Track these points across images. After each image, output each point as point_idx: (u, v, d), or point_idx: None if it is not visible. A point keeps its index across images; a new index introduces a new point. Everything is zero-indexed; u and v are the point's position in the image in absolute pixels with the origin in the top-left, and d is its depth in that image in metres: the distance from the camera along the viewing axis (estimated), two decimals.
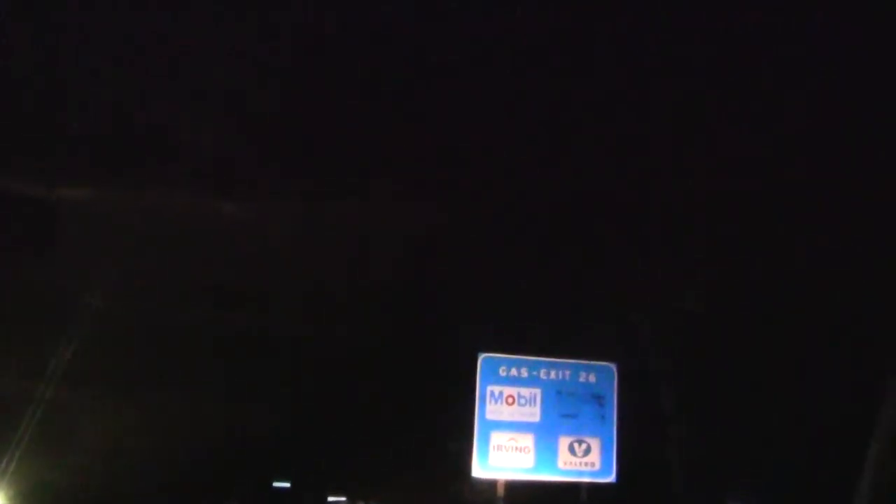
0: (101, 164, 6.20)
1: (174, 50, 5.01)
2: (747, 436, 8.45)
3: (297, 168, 6.27)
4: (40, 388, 8.29)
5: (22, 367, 8.31)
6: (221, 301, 8.14)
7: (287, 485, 11.76)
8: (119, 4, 4.73)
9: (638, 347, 8.42)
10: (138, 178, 6.34)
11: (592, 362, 7.93)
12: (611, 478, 7.76)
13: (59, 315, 7.91)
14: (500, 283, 8.02)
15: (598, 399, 7.83)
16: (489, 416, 7.67)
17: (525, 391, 7.73)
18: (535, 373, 7.81)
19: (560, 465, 7.73)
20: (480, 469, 7.65)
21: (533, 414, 7.72)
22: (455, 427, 8.26)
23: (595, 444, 7.78)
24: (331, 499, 11.90)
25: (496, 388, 7.73)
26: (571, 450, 7.71)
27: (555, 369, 7.85)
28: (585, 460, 7.74)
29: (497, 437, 7.64)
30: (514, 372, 7.79)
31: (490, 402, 7.66)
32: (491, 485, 7.82)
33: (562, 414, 7.74)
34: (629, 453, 7.87)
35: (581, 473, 7.73)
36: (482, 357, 7.79)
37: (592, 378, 7.85)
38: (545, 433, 7.69)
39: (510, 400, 7.69)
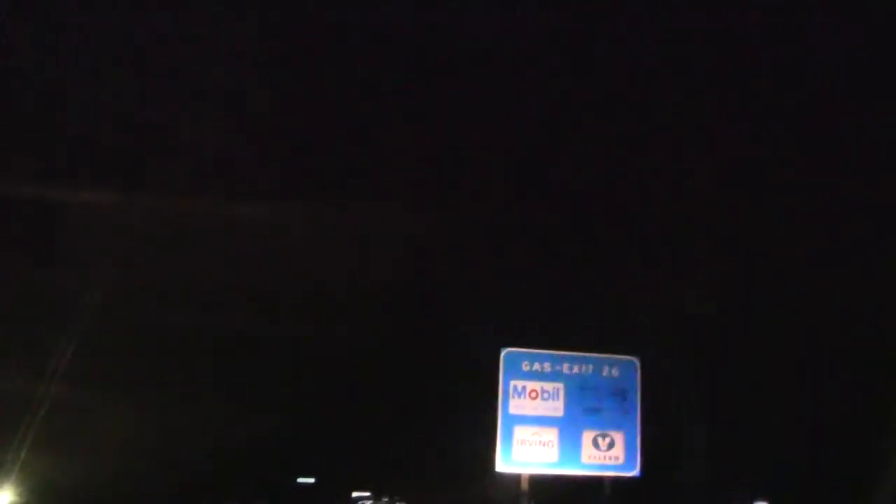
0: (99, 163, 6.20)
1: (174, 50, 5.01)
2: (770, 430, 8.45)
3: (297, 168, 6.26)
4: (42, 389, 8.29)
5: (24, 368, 8.31)
6: (229, 301, 8.14)
7: (312, 480, 11.81)
8: (119, 4, 4.73)
9: (660, 342, 8.39)
10: (138, 179, 6.33)
11: (615, 356, 7.90)
12: (635, 471, 7.71)
13: (60, 315, 7.91)
14: (520, 280, 8.02)
15: (622, 393, 7.77)
16: (512, 410, 7.63)
17: (548, 385, 7.66)
18: (557, 367, 7.75)
19: (584, 459, 7.67)
20: (503, 464, 7.60)
21: (556, 408, 7.66)
22: (478, 423, 8.24)
23: (619, 437, 7.72)
24: (354, 494, 11.91)
25: (519, 383, 7.65)
26: (595, 444, 7.65)
27: (577, 363, 7.78)
28: (609, 454, 7.69)
29: (521, 432, 7.57)
30: (536, 367, 7.73)
31: (513, 396, 7.62)
32: (515, 479, 7.81)
33: (585, 408, 7.67)
34: (651, 446, 7.86)
35: (605, 467, 7.67)
36: (504, 352, 7.72)
37: (615, 372, 7.79)
38: (569, 427, 7.63)
39: (533, 394, 7.63)
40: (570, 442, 7.63)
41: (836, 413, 7.89)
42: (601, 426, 7.68)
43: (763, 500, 9.08)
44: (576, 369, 7.79)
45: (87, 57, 5.06)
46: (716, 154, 5.91)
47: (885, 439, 7.12)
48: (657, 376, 8.01)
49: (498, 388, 7.59)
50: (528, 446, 7.61)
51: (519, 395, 7.66)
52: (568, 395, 7.71)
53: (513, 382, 7.65)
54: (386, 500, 11.72)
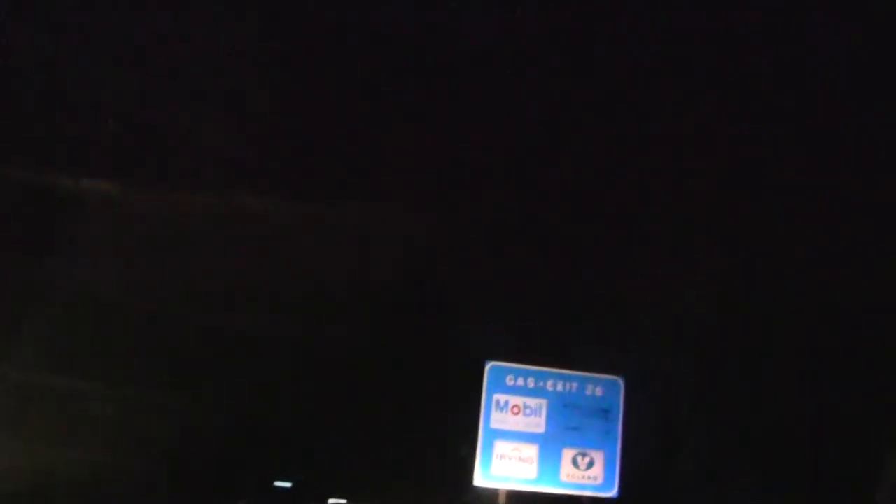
0: (98, 162, 6.20)
1: (174, 50, 5.01)
2: (758, 449, 8.42)
3: (297, 168, 6.27)
4: (41, 386, 8.29)
5: (22, 366, 8.31)
6: (224, 300, 8.14)
7: (288, 485, 11.76)
8: (119, 4, 4.73)
9: (646, 360, 8.39)
10: (136, 179, 6.34)
11: (600, 375, 7.89)
12: (612, 492, 7.72)
13: (59, 314, 7.91)
14: (507, 290, 8.01)
15: (604, 413, 7.79)
16: (494, 424, 7.64)
17: (531, 401, 7.69)
18: (541, 383, 7.76)
19: (563, 477, 7.68)
20: (482, 478, 7.63)
21: (538, 425, 7.67)
22: (459, 434, 8.24)
23: (598, 457, 7.73)
24: (331, 500, 11.88)
25: (502, 398, 7.69)
26: (574, 463, 7.66)
27: (562, 381, 7.80)
28: (588, 474, 7.70)
29: (501, 447, 7.61)
30: (520, 382, 7.75)
31: (495, 410, 7.63)
32: (493, 494, 7.81)
33: (567, 426, 7.70)
34: (632, 467, 7.84)
35: (583, 487, 7.69)
36: (489, 365, 7.74)
37: (599, 391, 7.80)
38: (549, 444, 7.65)
39: (515, 410, 7.65)
40: (549, 459, 7.67)
41: (835, 414, 7.89)
42: (581, 445, 7.73)
43: None
44: (560, 387, 7.84)
45: (87, 57, 5.07)
46: (716, 154, 5.91)
47: (884, 439, 7.13)
48: (643, 396, 8.01)
49: (480, 402, 7.63)
50: (507, 461, 7.63)
51: (501, 410, 7.69)
52: (550, 411, 7.74)
53: (496, 396, 7.70)
54: None
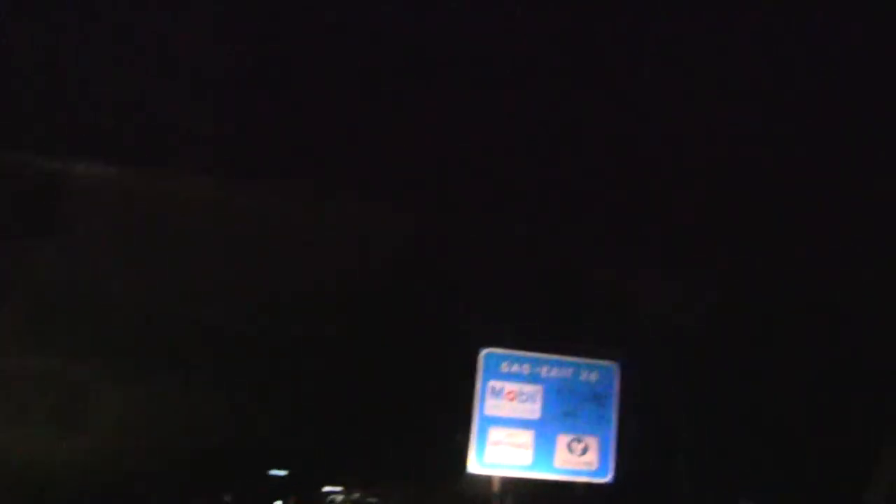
0: (97, 161, 6.19)
1: (174, 50, 5.00)
2: (757, 435, 8.43)
3: (297, 168, 6.26)
4: (40, 382, 8.31)
5: (21, 364, 8.32)
6: (224, 299, 8.14)
7: (283, 473, 11.78)
8: (119, 4, 4.72)
9: (641, 345, 8.39)
10: (135, 177, 6.33)
11: (594, 361, 7.87)
12: (607, 478, 7.72)
13: (58, 312, 7.91)
14: (501, 280, 8.00)
15: (599, 398, 7.78)
16: (488, 411, 7.61)
17: (526, 388, 7.67)
18: (536, 370, 7.76)
19: (557, 463, 7.68)
20: (477, 465, 7.61)
21: (533, 411, 7.66)
22: (454, 422, 8.24)
23: (593, 443, 7.73)
24: (326, 488, 11.88)
25: (497, 384, 7.67)
26: (569, 448, 7.66)
27: (557, 367, 7.80)
28: (583, 459, 7.70)
29: (495, 433, 7.59)
30: (515, 368, 7.74)
31: (490, 397, 7.60)
32: (487, 481, 7.80)
33: (561, 412, 7.69)
34: (628, 453, 7.84)
35: (578, 472, 7.69)
36: (484, 352, 7.73)
37: (594, 377, 7.79)
38: (544, 430, 7.64)
39: (510, 396, 7.64)
40: (544, 445, 7.67)
41: (834, 415, 7.90)
42: (576, 431, 7.71)
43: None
44: (555, 373, 7.81)
45: (87, 53, 5.06)
46: (716, 154, 5.91)
47: (882, 440, 7.14)
48: (638, 381, 8.01)
49: (475, 388, 7.60)
50: (501, 448, 7.61)
51: (496, 397, 7.67)
52: (545, 398, 7.71)
53: (491, 383, 7.68)
54: (357, 495, 11.70)
